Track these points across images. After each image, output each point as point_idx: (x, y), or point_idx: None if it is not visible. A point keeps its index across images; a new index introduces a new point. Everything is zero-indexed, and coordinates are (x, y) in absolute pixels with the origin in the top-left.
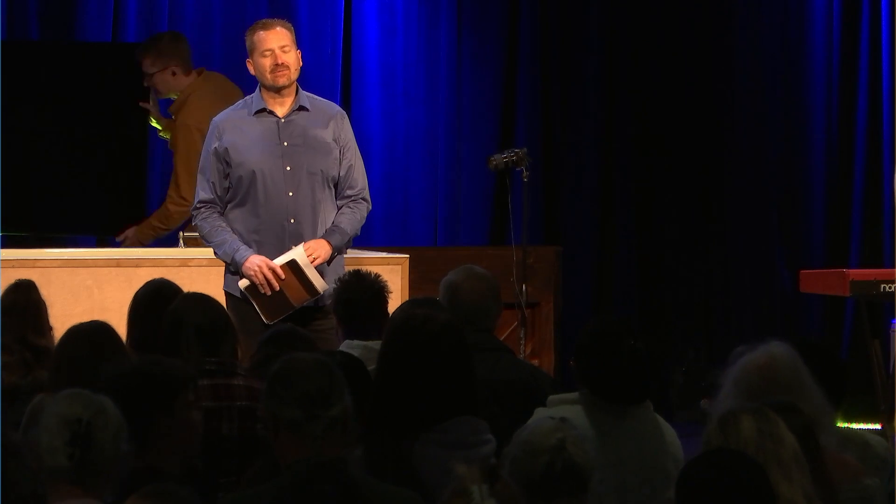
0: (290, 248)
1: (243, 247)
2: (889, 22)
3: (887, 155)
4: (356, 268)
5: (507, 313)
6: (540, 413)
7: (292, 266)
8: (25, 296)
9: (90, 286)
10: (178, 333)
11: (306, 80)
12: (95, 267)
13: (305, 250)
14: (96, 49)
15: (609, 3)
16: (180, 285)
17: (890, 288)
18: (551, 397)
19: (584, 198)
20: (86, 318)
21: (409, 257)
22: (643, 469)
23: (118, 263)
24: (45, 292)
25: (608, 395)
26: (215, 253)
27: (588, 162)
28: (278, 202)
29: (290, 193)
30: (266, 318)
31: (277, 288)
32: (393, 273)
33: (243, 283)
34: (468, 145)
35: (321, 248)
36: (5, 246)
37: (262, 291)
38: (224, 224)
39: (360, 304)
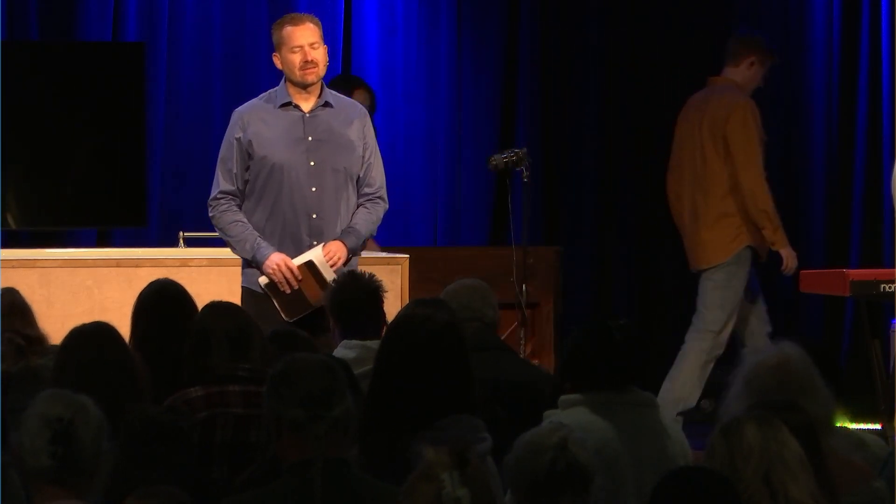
0: (309, 244)
1: (265, 244)
2: (889, 22)
3: (887, 155)
4: (351, 268)
5: (507, 313)
6: (550, 416)
7: (310, 266)
8: (9, 301)
9: (90, 286)
10: (207, 341)
11: None
12: (95, 267)
13: (325, 253)
14: (96, 49)
15: (609, 4)
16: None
17: (890, 288)
18: (563, 398)
19: (584, 198)
20: (86, 319)
21: (409, 257)
22: (660, 463)
23: (118, 263)
24: (45, 292)
25: (608, 384)
26: (232, 249)
27: (588, 162)
28: (301, 197)
29: (314, 189)
30: (286, 316)
31: (296, 286)
32: (393, 273)
33: (263, 279)
34: (468, 145)
35: (340, 251)
36: (5, 245)
37: (282, 289)
38: (243, 218)
39: (357, 304)
